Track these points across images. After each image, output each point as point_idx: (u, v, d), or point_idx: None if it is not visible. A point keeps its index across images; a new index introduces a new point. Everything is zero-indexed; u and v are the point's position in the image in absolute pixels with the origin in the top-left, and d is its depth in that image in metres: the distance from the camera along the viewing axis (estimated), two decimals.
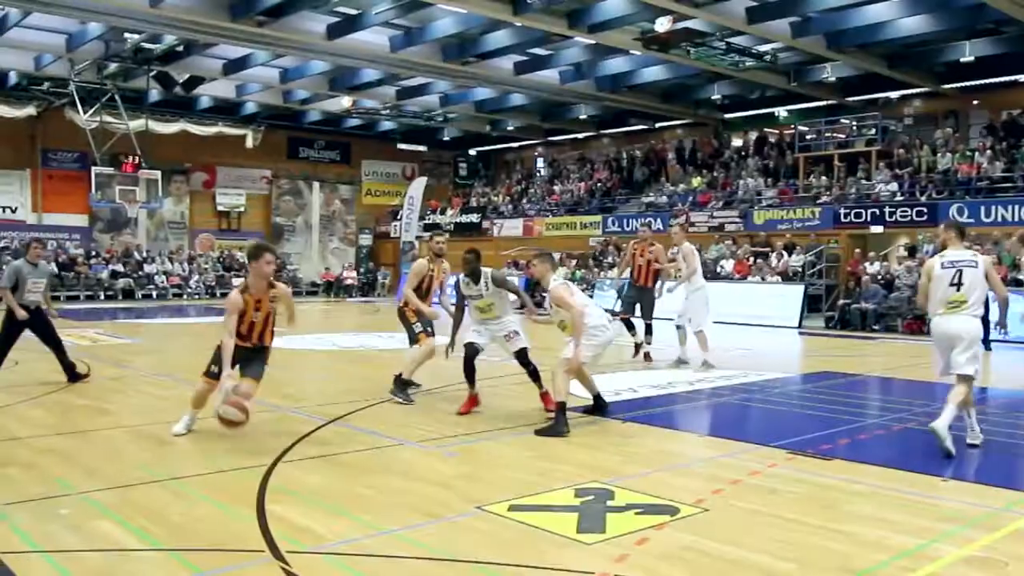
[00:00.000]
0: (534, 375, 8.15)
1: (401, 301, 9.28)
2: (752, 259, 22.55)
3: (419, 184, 34.95)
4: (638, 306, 12.16)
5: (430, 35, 21.77)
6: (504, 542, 4.58)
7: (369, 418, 8.02)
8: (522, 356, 8.13)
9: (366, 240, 37.66)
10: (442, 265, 9.55)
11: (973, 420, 6.93)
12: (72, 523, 4.86)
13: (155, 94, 27.96)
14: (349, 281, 33.55)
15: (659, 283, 12.11)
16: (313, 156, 37.11)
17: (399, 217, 34.92)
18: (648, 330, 12.12)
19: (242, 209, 34.86)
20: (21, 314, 9.47)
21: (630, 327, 12.14)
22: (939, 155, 22.97)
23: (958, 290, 6.67)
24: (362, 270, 35.67)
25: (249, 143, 32.32)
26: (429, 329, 9.09)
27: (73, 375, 9.80)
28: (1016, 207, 19.72)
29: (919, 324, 18.02)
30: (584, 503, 5.21)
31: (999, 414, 8.79)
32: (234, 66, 25.50)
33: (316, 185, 37.04)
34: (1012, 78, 23.19)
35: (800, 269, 21.59)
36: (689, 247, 11.46)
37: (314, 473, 5.96)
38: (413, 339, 9.05)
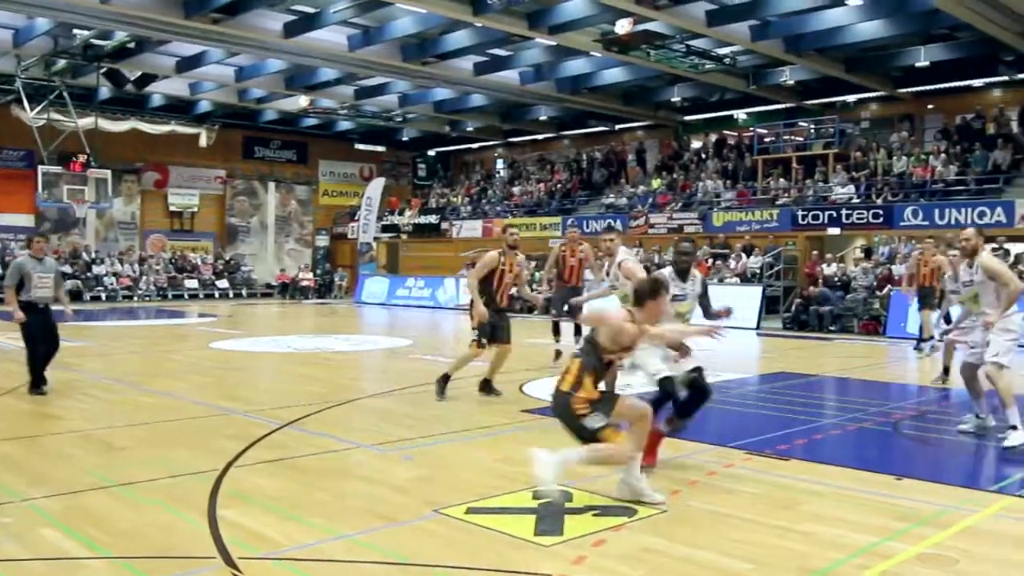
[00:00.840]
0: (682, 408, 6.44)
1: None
2: (711, 260, 22.79)
3: (377, 185, 34.79)
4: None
5: (389, 34, 21.68)
6: (461, 545, 4.58)
7: (324, 421, 7.95)
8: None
9: (323, 241, 37.36)
10: (516, 258, 9.25)
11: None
12: (15, 531, 4.74)
13: (105, 91, 27.44)
14: (305, 283, 33.25)
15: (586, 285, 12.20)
16: (269, 156, 36.74)
17: (357, 218, 34.73)
18: (577, 331, 12.16)
19: (195, 209, 34.38)
20: (18, 316, 9.20)
21: (557, 331, 12.31)
22: (895, 158, 23.42)
23: None
24: (319, 271, 35.40)
25: (203, 142, 31.87)
26: (483, 341, 9.04)
27: (37, 386, 9.39)
28: (969, 210, 20.18)
29: (875, 325, 18.41)
30: (542, 505, 5.22)
31: (951, 412, 8.98)
32: (188, 64, 25.14)
33: (272, 185, 36.66)
34: (966, 83, 23.76)
35: (758, 270, 21.87)
36: (630, 266, 8.42)
37: (268, 477, 5.90)
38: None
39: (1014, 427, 6.91)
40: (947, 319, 12.19)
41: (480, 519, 4.96)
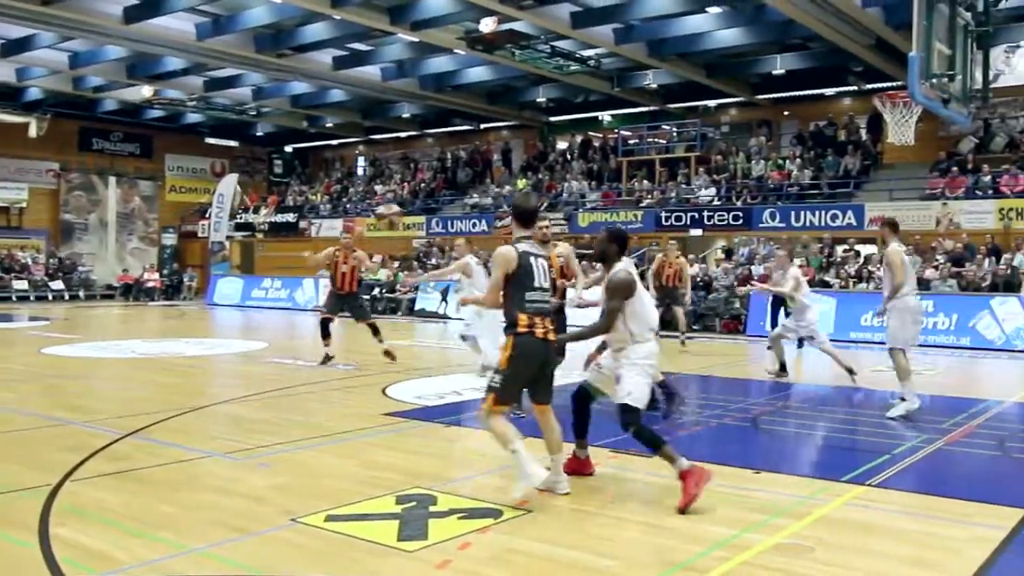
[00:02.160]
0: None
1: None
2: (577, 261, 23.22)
3: (230, 181, 33.75)
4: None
5: (241, 24, 21.05)
6: (320, 554, 4.49)
7: (172, 430, 7.63)
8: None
9: (170, 240, 35.91)
10: (556, 250, 8.18)
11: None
12: None
13: None
14: (151, 283, 31.86)
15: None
16: (109, 148, 35.01)
17: (208, 216, 33.58)
18: (375, 331, 12.32)
19: (24, 205, 32.36)
20: None
21: (376, 332, 12.33)
22: (753, 162, 24.60)
23: None
24: (166, 272, 34.00)
25: (32, 132, 30.05)
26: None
27: None
28: (822, 213, 21.44)
29: (735, 324, 19.25)
30: (406, 510, 5.19)
31: (806, 408, 9.50)
32: (15, 47, 23.66)
33: (112, 180, 34.94)
34: (819, 91, 25.25)
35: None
36: (476, 266, 10.81)
37: (109, 491, 5.61)
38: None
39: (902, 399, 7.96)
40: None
41: (340, 526, 4.88)
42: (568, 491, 5.54)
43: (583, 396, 6.12)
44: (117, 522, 4.95)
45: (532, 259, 5.54)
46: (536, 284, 5.48)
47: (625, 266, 5.73)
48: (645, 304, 5.70)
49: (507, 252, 5.51)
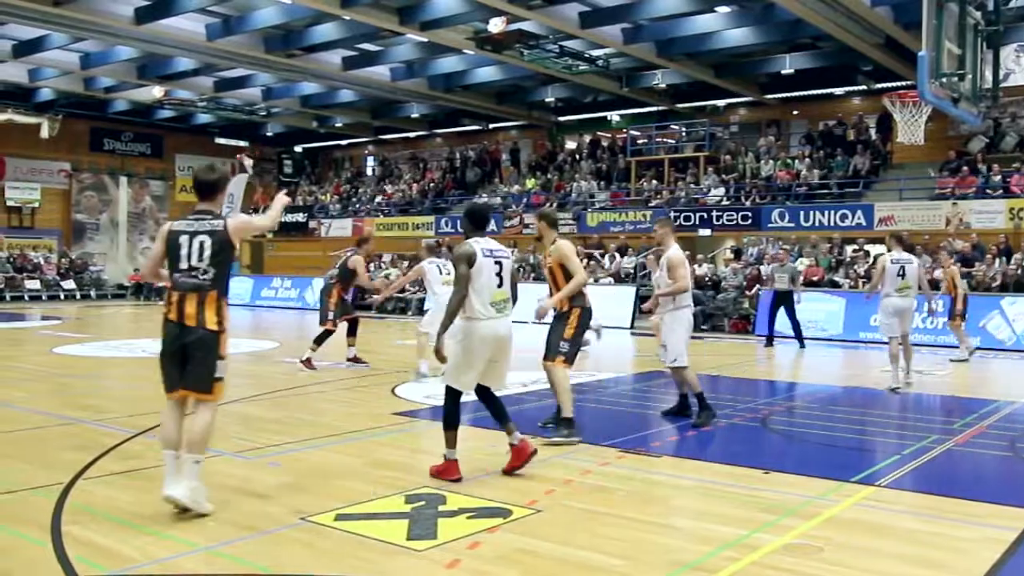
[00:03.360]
0: None
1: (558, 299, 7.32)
2: (585, 261, 23.24)
3: (239, 181, 33.73)
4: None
5: (251, 24, 21.10)
6: (330, 553, 4.50)
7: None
8: None
9: None
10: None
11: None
12: None
13: None
14: (161, 283, 31.93)
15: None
16: (120, 149, 35.14)
17: None
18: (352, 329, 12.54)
19: (36, 205, 32.53)
20: None
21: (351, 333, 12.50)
22: (762, 162, 24.53)
23: (903, 279, 10.15)
24: None
25: (45, 133, 30.13)
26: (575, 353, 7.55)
27: None
28: (832, 212, 21.37)
29: (744, 324, 19.21)
30: (415, 509, 5.19)
31: (816, 408, 9.47)
32: (26, 48, 23.77)
33: (124, 180, 35.09)
34: (828, 91, 25.16)
35: (632, 271, 22.46)
36: (427, 267, 10.97)
37: (120, 489, 5.63)
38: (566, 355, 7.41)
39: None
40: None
41: (350, 525, 4.89)
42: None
43: (479, 388, 6.20)
44: (128, 520, 4.96)
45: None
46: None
47: (474, 241, 5.96)
48: (482, 282, 5.87)
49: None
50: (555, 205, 26.74)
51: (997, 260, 17.93)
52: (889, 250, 10.79)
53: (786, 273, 16.07)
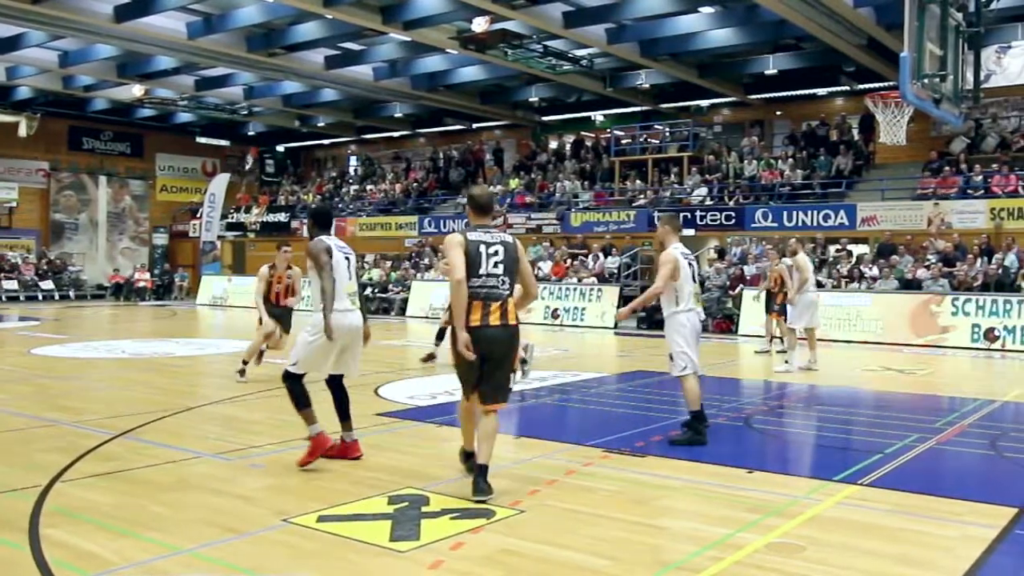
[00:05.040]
0: None
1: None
2: (569, 261, 23.28)
3: (221, 180, 33.69)
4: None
5: (232, 23, 21.00)
6: (312, 554, 4.48)
7: (163, 431, 7.61)
8: None
9: (161, 239, 35.84)
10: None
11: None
12: None
13: None
14: (142, 283, 31.78)
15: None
16: (100, 148, 34.92)
17: (199, 215, 33.51)
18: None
19: (14, 204, 32.23)
20: None
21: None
22: (746, 162, 24.65)
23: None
24: (157, 272, 33.91)
25: (22, 131, 29.88)
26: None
27: None
28: (815, 213, 21.50)
29: (728, 324, 19.29)
30: (398, 510, 5.18)
31: (799, 407, 9.52)
32: (4, 45, 23.56)
33: (103, 179, 34.85)
34: (811, 91, 25.34)
35: (616, 271, 22.51)
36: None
37: (99, 492, 5.59)
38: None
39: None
40: None
41: (332, 527, 4.87)
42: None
43: (330, 378, 6.56)
44: (107, 523, 4.93)
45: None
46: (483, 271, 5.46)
47: (325, 238, 6.31)
48: (339, 276, 6.23)
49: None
50: (539, 205, 26.80)
51: (979, 260, 18.09)
52: (795, 253, 12.96)
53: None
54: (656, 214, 16.79)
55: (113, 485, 5.77)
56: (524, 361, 10.19)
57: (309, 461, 6.14)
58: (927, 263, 18.52)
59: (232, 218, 33.71)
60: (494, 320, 5.39)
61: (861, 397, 10.52)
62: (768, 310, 15.20)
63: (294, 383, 6.24)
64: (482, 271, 5.39)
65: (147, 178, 36.20)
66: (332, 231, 6.63)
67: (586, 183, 27.34)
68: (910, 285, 18.07)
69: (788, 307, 12.91)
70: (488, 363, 5.44)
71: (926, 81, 9.94)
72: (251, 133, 36.55)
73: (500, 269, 5.43)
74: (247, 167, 35.88)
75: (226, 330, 20.31)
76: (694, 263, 7.49)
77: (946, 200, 20.24)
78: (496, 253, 5.45)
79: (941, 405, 10.08)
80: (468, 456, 5.89)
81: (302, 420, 6.25)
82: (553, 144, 31.49)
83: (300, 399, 6.22)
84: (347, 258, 6.39)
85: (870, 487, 5.87)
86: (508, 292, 5.48)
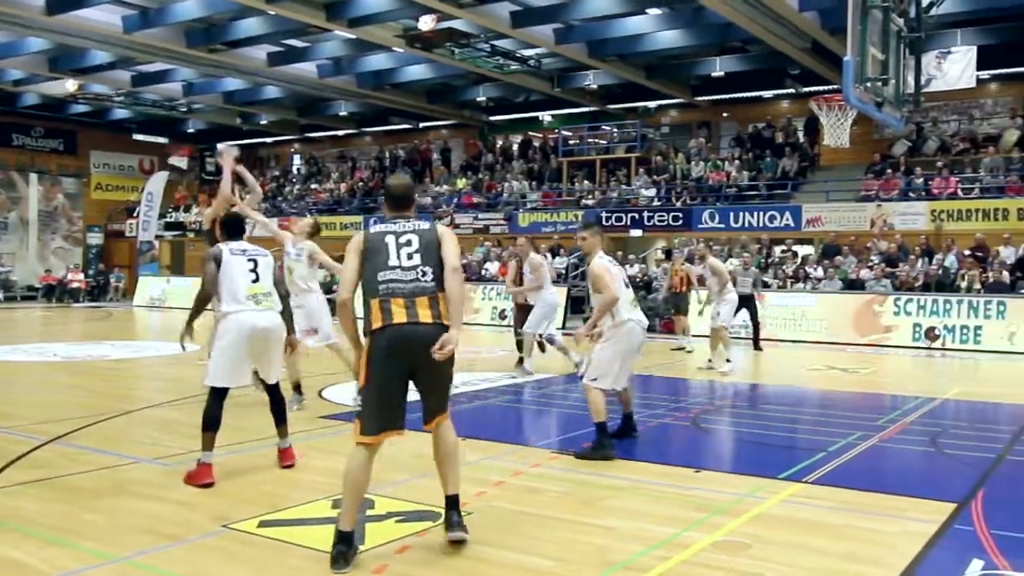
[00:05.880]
0: None
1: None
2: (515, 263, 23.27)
3: (159, 179, 33.09)
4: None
5: (171, 17, 20.61)
6: (253, 561, 4.42)
7: (98, 436, 7.44)
8: None
9: (96, 239, 35.05)
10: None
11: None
12: None
13: None
14: (75, 284, 31.05)
15: None
16: (30, 144, 34.03)
17: (136, 214, 32.86)
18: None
19: None
20: None
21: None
22: (693, 163, 24.95)
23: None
24: (91, 272, 33.15)
25: None
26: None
27: None
28: (760, 214, 21.85)
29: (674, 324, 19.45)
30: None
31: (745, 407, 9.66)
32: None
33: (34, 177, 33.96)
34: (757, 94, 25.74)
35: (564, 271, 22.60)
36: (540, 259, 12.39)
37: (28, 499, 5.43)
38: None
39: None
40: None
41: (274, 532, 4.81)
42: None
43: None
44: (37, 531, 4.80)
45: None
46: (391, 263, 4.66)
47: (224, 244, 6.28)
48: (232, 277, 6.11)
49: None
50: (486, 205, 26.80)
51: (920, 260, 18.54)
52: (703, 258, 13.69)
53: (749, 278, 16.15)
54: (582, 219, 17.12)
55: (43, 492, 5.62)
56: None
57: (188, 482, 5.82)
58: (870, 264, 18.95)
59: (171, 217, 33.11)
60: (424, 316, 4.48)
61: (806, 396, 10.71)
62: (678, 311, 16.19)
63: (211, 401, 6.01)
64: (392, 263, 4.61)
65: (81, 176, 35.38)
66: (243, 237, 6.53)
67: (534, 183, 27.42)
68: (854, 285, 18.47)
69: (719, 310, 12.82)
70: (421, 372, 4.52)
71: (869, 85, 10.17)
72: (191, 131, 35.92)
73: (416, 259, 4.61)
74: (183, 167, 35.21)
75: (164, 332, 19.91)
76: (621, 269, 7.29)
77: (888, 202, 20.72)
78: (409, 243, 4.66)
79: (884, 403, 10.32)
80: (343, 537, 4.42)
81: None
82: (501, 144, 31.52)
83: (207, 420, 5.91)
84: (251, 259, 6.22)
85: (814, 485, 5.98)
86: (433, 284, 4.57)
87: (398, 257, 4.62)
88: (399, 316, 4.46)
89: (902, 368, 14.13)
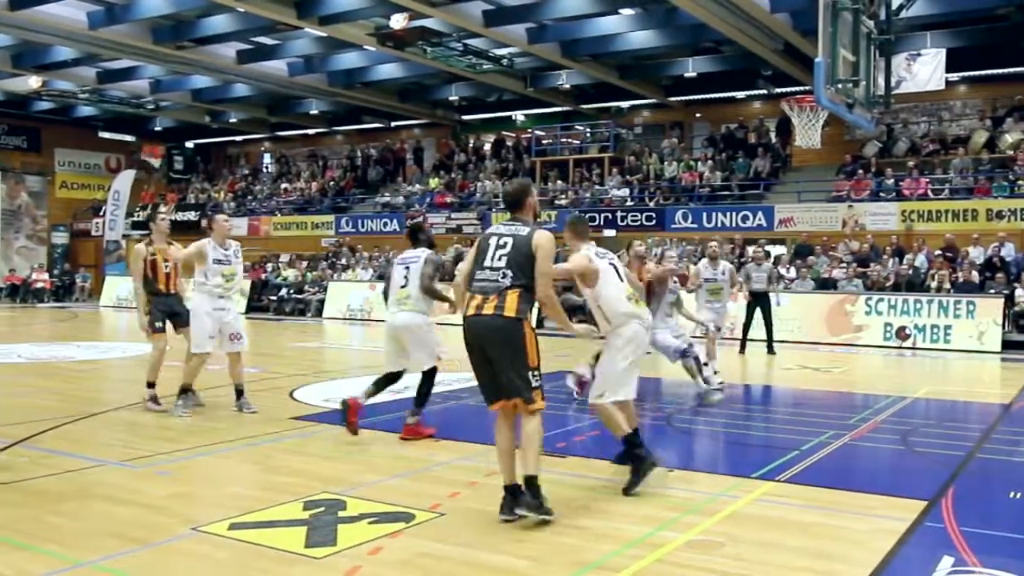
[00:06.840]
0: None
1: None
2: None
3: (126, 177, 32.73)
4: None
5: (137, 13, 20.39)
6: (224, 564, 4.39)
7: (63, 438, 7.35)
8: None
9: (61, 238, 34.60)
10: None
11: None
12: None
13: None
14: (40, 284, 30.65)
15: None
16: None
17: (102, 213, 32.49)
18: None
19: None
20: None
21: None
22: (666, 163, 25.08)
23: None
24: (56, 272, 32.73)
25: None
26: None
27: None
28: (733, 214, 22.02)
29: None
30: (314, 516, 5.11)
31: (719, 406, 9.71)
32: None
33: None
34: (730, 94, 25.93)
35: None
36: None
37: None
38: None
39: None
40: None
41: (244, 534, 4.78)
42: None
43: None
44: (1, 536, 4.73)
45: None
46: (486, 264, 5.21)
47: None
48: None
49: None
50: (459, 205, 26.77)
51: (891, 260, 18.76)
52: (713, 259, 12.97)
53: (764, 273, 15.39)
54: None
55: (6, 496, 5.54)
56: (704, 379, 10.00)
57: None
58: (842, 264, 19.14)
59: (138, 216, 32.76)
60: (488, 310, 5.07)
61: (779, 395, 10.81)
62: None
63: (384, 382, 7.57)
64: (486, 263, 5.18)
65: (45, 174, 34.91)
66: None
67: (507, 183, 27.39)
68: (826, 285, 18.65)
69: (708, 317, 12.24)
70: (486, 353, 5.20)
71: (840, 86, 10.29)
72: (159, 128, 35.56)
73: (503, 262, 5.13)
74: (156, 166, 34.88)
75: (131, 333, 19.69)
76: (616, 260, 6.30)
77: (860, 202, 20.95)
78: (504, 245, 5.17)
79: (855, 402, 10.42)
80: (511, 491, 5.12)
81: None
82: (474, 143, 31.50)
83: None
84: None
85: (787, 483, 6.04)
86: (508, 285, 5.08)
87: (491, 258, 5.20)
88: (471, 309, 5.20)
89: (873, 367, 14.29)
